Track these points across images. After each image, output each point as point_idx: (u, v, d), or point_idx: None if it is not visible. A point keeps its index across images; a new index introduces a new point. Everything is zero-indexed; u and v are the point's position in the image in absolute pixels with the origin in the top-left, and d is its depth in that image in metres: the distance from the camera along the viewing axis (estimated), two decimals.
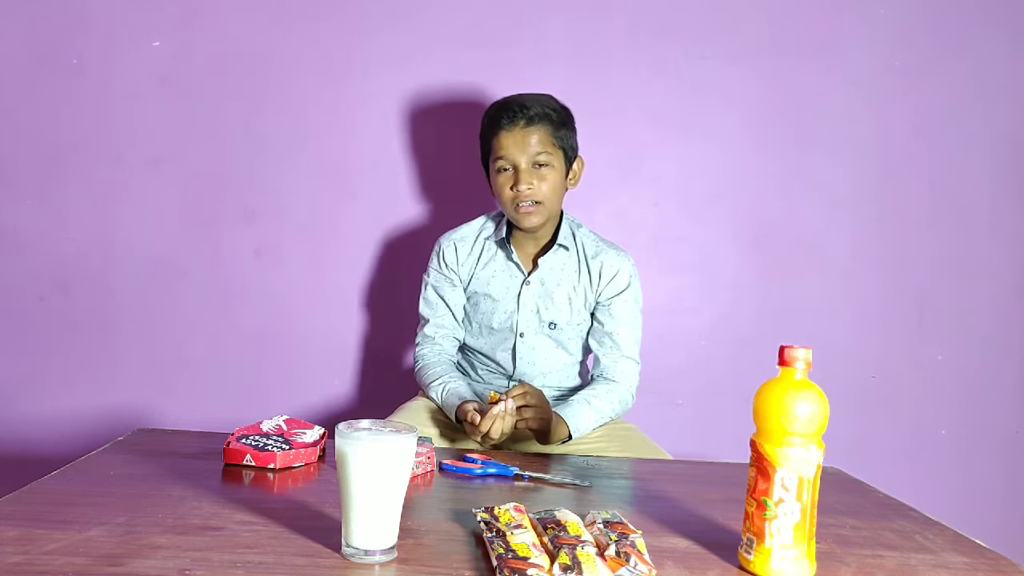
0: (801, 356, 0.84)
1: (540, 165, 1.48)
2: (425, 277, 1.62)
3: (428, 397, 1.55)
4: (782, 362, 0.84)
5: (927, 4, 1.91)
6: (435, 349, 1.58)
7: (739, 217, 1.93)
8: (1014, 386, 1.98)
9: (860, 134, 1.92)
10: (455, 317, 1.60)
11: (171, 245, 1.88)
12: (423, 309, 1.61)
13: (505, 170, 1.49)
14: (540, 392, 1.36)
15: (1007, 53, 1.93)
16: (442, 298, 1.59)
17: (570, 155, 1.53)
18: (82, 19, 1.85)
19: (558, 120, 1.50)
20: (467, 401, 1.39)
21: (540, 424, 1.34)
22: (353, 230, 1.90)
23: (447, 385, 1.48)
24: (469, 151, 1.84)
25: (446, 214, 1.89)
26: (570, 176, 1.55)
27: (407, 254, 1.88)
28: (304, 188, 1.88)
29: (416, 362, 1.60)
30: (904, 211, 1.95)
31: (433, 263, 1.60)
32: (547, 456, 1.33)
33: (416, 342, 1.62)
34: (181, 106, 1.86)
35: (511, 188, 1.47)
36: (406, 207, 1.90)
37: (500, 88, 1.84)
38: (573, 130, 1.55)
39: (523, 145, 1.46)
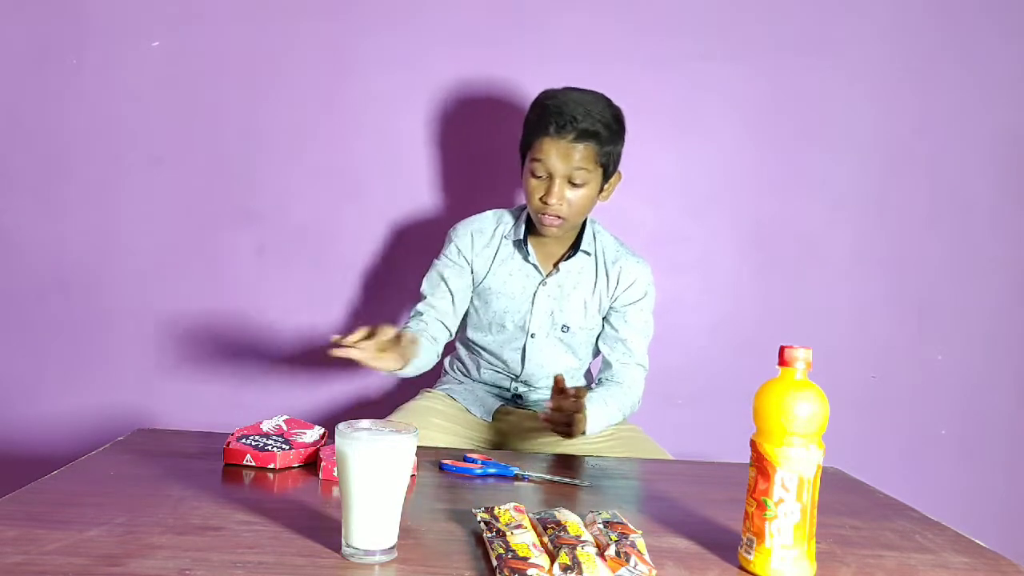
0: (801, 356, 0.84)
1: (575, 183, 1.42)
2: (435, 260, 1.58)
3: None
4: (782, 362, 0.85)
5: (928, 3, 1.91)
6: (419, 324, 1.52)
7: (739, 217, 1.93)
8: (1014, 386, 1.98)
9: (861, 134, 1.92)
10: (453, 302, 1.55)
11: (171, 245, 1.88)
12: (424, 286, 1.57)
13: (539, 176, 1.43)
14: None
15: (1009, 52, 1.93)
16: (445, 281, 1.54)
17: (610, 170, 1.48)
18: (82, 19, 1.84)
19: (607, 136, 1.42)
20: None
21: (573, 432, 1.29)
22: (353, 230, 1.89)
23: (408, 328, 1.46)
24: (471, 150, 1.84)
25: (447, 213, 1.88)
26: (603, 191, 1.50)
27: (408, 254, 1.88)
28: (304, 188, 1.88)
29: None
30: (905, 211, 1.95)
31: (446, 250, 1.57)
32: (547, 456, 1.33)
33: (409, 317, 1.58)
34: (181, 106, 1.86)
35: (540, 198, 1.43)
36: (407, 207, 1.90)
37: (500, 87, 1.85)
38: (622, 141, 1.48)
39: (565, 158, 1.40)
